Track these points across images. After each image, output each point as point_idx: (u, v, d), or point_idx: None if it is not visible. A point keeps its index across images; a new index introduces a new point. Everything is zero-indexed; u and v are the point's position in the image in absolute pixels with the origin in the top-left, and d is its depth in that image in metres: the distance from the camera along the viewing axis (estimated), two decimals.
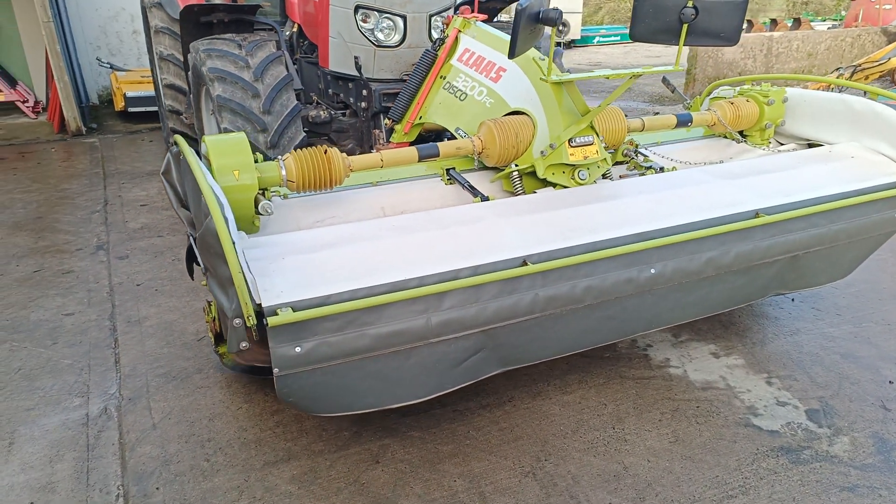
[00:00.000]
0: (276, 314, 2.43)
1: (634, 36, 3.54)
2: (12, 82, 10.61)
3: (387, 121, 4.65)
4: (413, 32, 5.09)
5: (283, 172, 3.14)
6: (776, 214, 3.33)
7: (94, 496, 2.82)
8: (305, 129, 5.69)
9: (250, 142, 4.87)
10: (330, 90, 5.86)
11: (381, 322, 2.64)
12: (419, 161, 3.50)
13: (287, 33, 6.63)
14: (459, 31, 4.36)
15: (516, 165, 3.56)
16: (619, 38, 25.74)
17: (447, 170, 3.67)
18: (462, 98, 4.13)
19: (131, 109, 9.63)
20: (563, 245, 2.94)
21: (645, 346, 3.85)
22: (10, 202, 6.68)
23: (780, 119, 4.31)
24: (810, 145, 4.35)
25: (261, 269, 2.63)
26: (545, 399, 3.40)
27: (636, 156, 3.94)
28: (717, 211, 3.28)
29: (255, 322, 2.42)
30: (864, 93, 4.40)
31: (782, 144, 4.46)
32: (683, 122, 4.14)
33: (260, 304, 2.45)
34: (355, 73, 5.24)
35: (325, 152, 3.20)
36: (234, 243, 2.41)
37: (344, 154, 3.30)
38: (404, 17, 5.07)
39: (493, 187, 3.72)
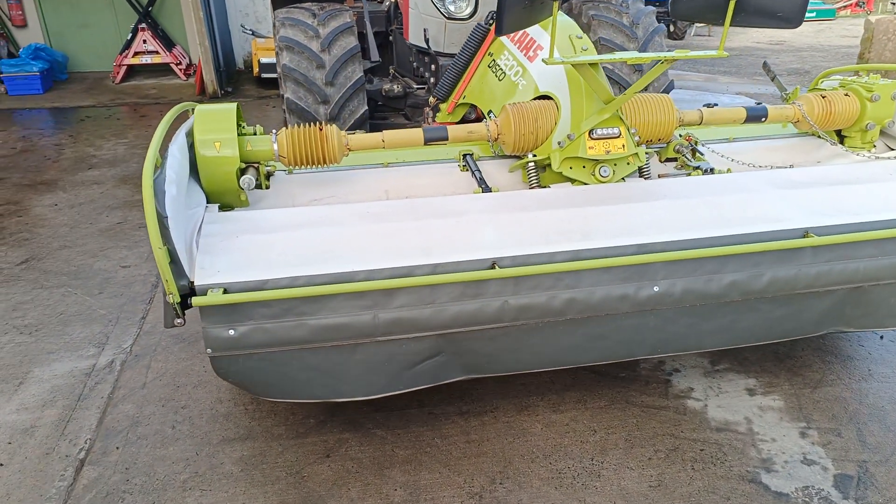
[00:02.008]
0: (206, 294, 2.37)
1: (676, 13, 3.08)
2: (170, 45, 11.48)
3: (431, 98, 4.44)
4: (485, 5, 4.79)
5: (275, 147, 3.05)
6: (832, 236, 2.77)
7: (62, 446, 2.95)
8: (379, 102, 5.62)
9: (311, 113, 4.92)
10: (414, 64, 5.72)
11: (322, 314, 2.50)
12: (425, 144, 3.26)
13: (385, 5, 6.55)
14: None
15: (534, 155, 3.23)
16: (813, 14, 23.21)
17: (464, 155, 3.41)
18: (501, 78, 3.83)
19: (264, 75, 10.09)
20: (543, 250, 2.62)
21: (671, 371, 3.39)
22: (129, 157, 7.25)
23: (888, 119, 3.57)
24: None
25: (209, 245, 2.57)
26: (531, 415, 3.10)
27: (689, 154, 3.44)
28: (752, 226, 2.78)
29: (178, 300, 2.37)
30: None
31: (892, 150, 3.71)
32: (756, 116, 3.55)
33: (193, 283, 2.40)
34: (432, 46, 5.06)
35: (321, 129, 3.07)
36: (165, 217, 2.35)
37: (343, 132, 3.16)
38: None
39: (511, 178, 3.41)
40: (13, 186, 6.38)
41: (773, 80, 4.30)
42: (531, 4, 2.69)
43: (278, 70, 5.11)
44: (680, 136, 3.54)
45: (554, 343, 2.79)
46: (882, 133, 3.70)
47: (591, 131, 3.06)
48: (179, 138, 2.84)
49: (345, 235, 2.69)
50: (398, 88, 5.49)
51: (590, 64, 3.02)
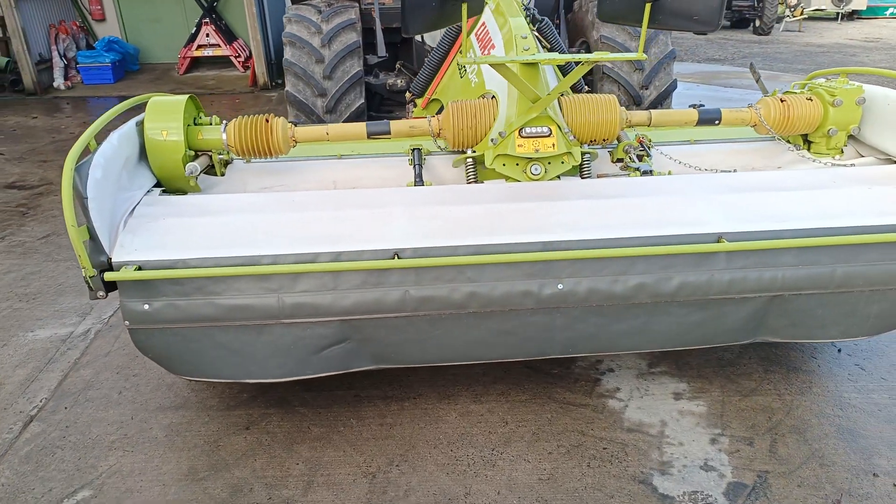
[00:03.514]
0: (120, 270, 2.58)
1: (601, 15, 3.07)
2: (231, 38, 12.02)
3: (408, 93, 4.55)
4: None
5: (224, 137, 3.24)
6: (745, 242, 2.73)
7: (19, 403, 3.26)
8: (385, 95, 5.78)
9: (308, 106, 5.12)
10: (425, 59, 5.84)
11: (229, 294, 2.67)
12: (368, 138, 3.38)
13: None
14: (486, 1, 4.09)
15: (473, 151, 3.30)
16: None
17: (413, 149, 3.51)
18: (462, 76, 3.90)
19: None
20: (445, 243, 2.70)
21: (605, 370, 3.40)
22: None
23: (853, 125, 3.44)
24: None
25: (135, 225, 2.78)
26: (450, 403, 3.18)
27: (634, 155, 3.42)
28: (664, 228, 2.77)
29: (92, 274, 2.59)
30: None
31: (862, 156, 3.56)
32: (709, 119, 3.48)
33: (110, 259, 2.62)
34: (427, 41, 5.18)
35: (267, 121, 3.25)
36: (86, 199, 2.58)
37: (291, 125, 3.33)
38: None
39: (458, 173, 3.49)
40: (59, 168, 6.90)
41: (757, 82, 4.21)
42: (440, 6, 2.75)
43: None
44: (636, 136, 3.52)
45: (460, 336, 2.86)
46: (853, 139, 3.56)
47: (520, 130, 3.10)
48: (127, 126, 3.07)
49: (263, 222, 2.83)
50: (401, 82, 5.63)
51: (527, 64, 3.08)
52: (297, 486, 2.73)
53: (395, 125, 3.37)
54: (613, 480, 2.72)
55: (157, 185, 3.23)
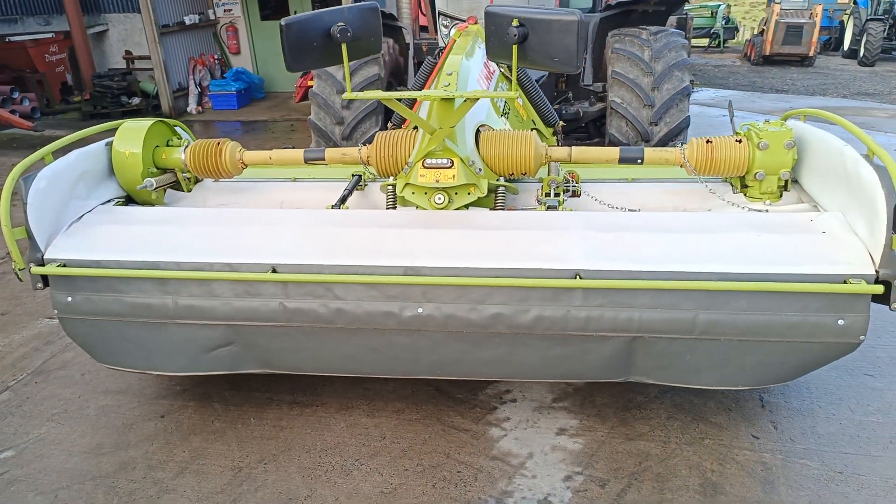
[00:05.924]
0: (45, 266, 3.07)
1: (489, 56, 3.19)
2: None
3: (390, 124, 4.81)
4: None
5: (183, 157, 3.70)
6: (600, 280, 2.74)
7: (5, 375, 3.87)
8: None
9: (327, 133, 5.55)
10: None
11: (132, 293, 3.08)
12: (305, 163, 3.70)
13: None
14: (455, 40, 4.30)
15: (394, 179, 3.52)
16: None
17: (353, 175, 3.79)
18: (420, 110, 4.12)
19: None
20: (315, 262, 2.94)
21: (508, 400, 3.43)
22: None
23: (784, 168, 3.27)
24: None
25: (76, 230, 3.27)
26: (345, 414, 3.38)
27: (553, 190, 3.48)
28: (525, 262, 2.84)
29: (21, 267, 3.09)
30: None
31: (802, 203, 3.36)
32: (631, 158, 3.45)
33: (43, 255, 3.11)
34: None
35: (218, 144, 3.67)
36: (26, 204, 3.09)
37: (241, 149, 3.73)
38: None
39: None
40: None
41: (731, 121, 4.08)
42: (322, 46, 3.02)
43: None
44: (564, 173, 3.58)
45: (332, 349, 3.08)
46: (797, 183, 3.39)
47: (423, 160, 3.28)
48: (93, 145, 3.59)
49: (177, 232, 3.21)
50: None
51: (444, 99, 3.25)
52: (172, 470, 3.06)
53: (329, 153, 3.67)
54: (447, 502, 2.80)
55: (129, 197, 3.74)
